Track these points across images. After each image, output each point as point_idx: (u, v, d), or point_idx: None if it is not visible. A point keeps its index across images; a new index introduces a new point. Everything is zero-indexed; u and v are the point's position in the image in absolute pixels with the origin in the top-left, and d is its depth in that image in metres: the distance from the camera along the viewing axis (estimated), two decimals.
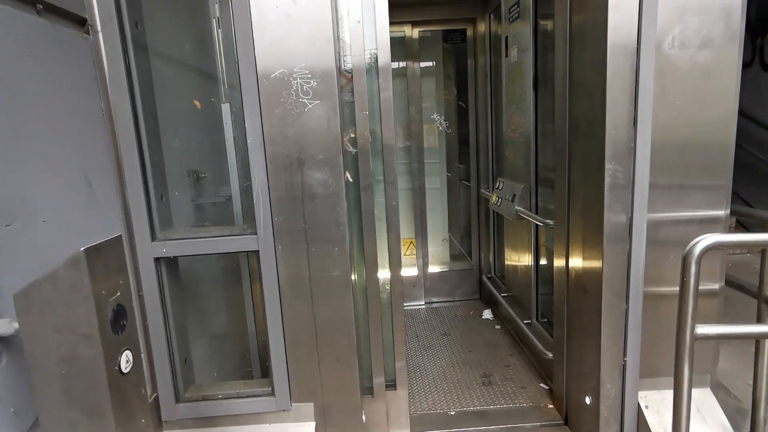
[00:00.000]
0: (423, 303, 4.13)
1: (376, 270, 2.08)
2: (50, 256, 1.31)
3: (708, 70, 1.79)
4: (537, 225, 2.85)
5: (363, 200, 2.00)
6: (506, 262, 3.62)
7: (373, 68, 1.96)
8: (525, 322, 3.04)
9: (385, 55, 1.94)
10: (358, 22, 1.90)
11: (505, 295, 3.51)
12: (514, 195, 2.98)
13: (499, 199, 3.25)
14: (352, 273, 1.93)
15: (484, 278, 4.04)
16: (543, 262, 2.97)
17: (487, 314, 3.85)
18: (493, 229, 3.95)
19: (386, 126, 1.99)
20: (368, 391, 2.17)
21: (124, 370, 1.19)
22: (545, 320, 2.97)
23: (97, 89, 1.66)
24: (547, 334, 2.77)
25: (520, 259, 3.27)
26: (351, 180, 1.89)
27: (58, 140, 1.44)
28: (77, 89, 1.55)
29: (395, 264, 2.12)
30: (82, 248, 1.05)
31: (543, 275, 2.97)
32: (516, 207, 2.90)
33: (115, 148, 1.74)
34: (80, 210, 1.52)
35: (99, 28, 1.66)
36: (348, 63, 1.95)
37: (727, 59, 1.78)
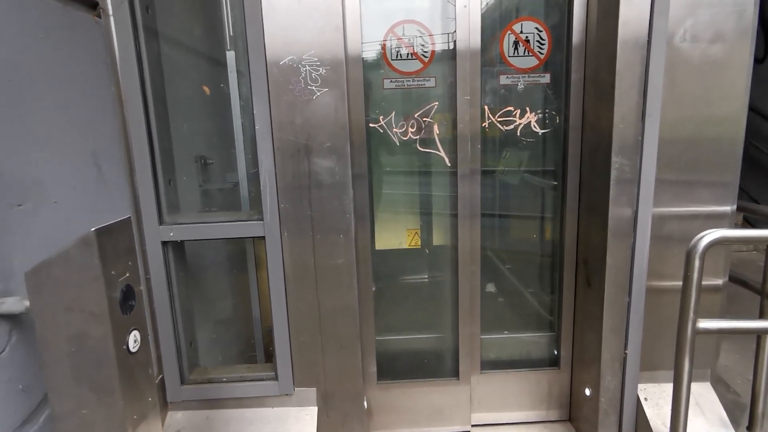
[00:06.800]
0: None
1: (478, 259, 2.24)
2: (61, 236, 1.34)
3: (719, 65, 1.78)
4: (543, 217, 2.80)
5: (460, 187, 2.06)
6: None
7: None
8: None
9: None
10: (465, 6, 1.93)
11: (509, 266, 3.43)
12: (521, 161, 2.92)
13: (505, 169, 3.17)
14: (357, 261, 1.94)
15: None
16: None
17: (490, 287, 3.75)
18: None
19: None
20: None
21: (132, 350, 1.21)
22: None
23: (107, 73, 1.67)
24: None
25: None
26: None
27: (69, 123, 1.46)
28: (88, 73, 1.56)
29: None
30: (93, 229, 1.06)
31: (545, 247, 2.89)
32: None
33: (124, 132, 1.75)
34: (90, 192, 1.54)
35: (110, 12, 1.67)
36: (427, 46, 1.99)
37: (738, 54, 1.77)
